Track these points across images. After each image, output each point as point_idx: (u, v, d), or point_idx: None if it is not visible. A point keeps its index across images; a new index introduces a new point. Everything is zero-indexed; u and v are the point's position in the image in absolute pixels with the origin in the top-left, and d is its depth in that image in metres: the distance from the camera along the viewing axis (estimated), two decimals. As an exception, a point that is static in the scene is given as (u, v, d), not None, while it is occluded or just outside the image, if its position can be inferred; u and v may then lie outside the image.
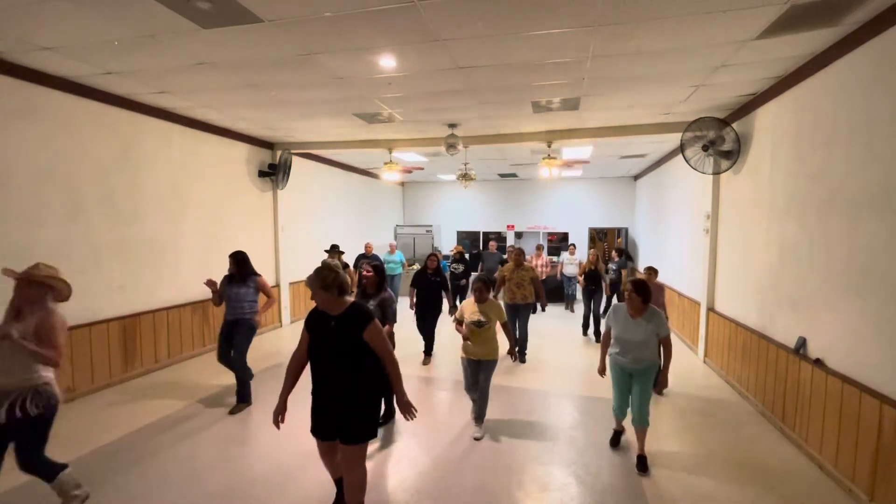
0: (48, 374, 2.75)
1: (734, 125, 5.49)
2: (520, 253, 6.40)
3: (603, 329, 3.91)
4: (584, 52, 3.90)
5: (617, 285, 8.78)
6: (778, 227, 4.48)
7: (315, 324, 2.64)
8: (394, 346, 4.07)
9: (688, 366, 6.27)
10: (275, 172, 8.04)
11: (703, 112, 5.80)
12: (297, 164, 8.51)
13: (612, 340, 3.74)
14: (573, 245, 10.49)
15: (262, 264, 7.78)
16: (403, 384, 2.71)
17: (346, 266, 6.98)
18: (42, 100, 4.52)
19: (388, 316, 4.23)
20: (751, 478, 3.49)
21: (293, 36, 3.58)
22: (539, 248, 9.99)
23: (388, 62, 4.15)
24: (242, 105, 5.65)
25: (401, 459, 3.71)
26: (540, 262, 9.72)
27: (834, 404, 3.48)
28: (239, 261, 4.75)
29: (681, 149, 5.88)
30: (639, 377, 3.60)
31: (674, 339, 7.58)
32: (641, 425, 3.60)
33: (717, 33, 3.49)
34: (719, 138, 5.47)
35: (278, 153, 8.15)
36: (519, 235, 14.55)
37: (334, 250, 7.11)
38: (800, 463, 3.72)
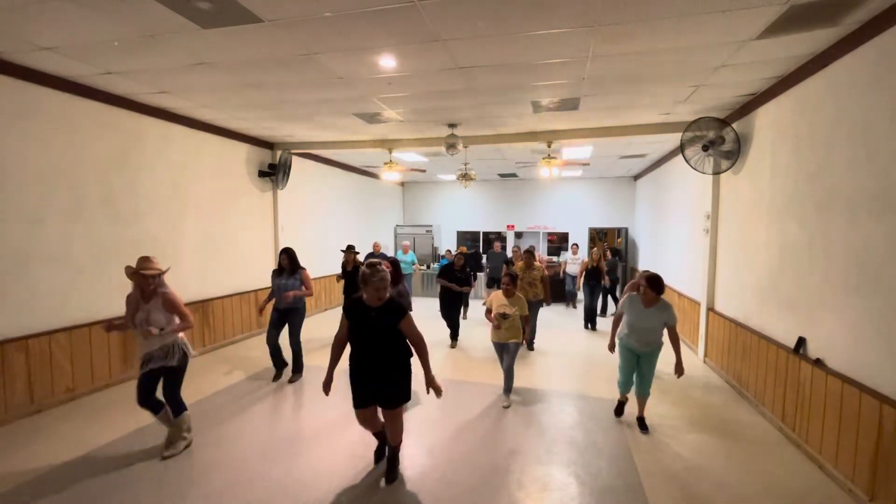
0: (181, 334, 3.73)
1: (734, 125, 5.49)
2: (531, 255, 7.01)
3: (615, 313, 4.46)
4: (584, 52, 3.90)
5: (613, 282, 9.53)
6: (778, 227, 4.48)
7: (357, 313, 3.17)
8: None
9: (688, 366, 6.17)
10: (275, 172, 8.04)
11: (703, 112, 5.80)
12: (297, 164, 8.52)
13: (623, 326, 4.24)
14: (575, 245, 10.49)
15: (262, 264, 7.81)
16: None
17: (361, 264, 7.02)
18: (42, 100, 4.52)
19: (405, 305, 4.66)
20: (751, 478, 3.49)
21: (293, 36, 3.58)
22: (531, 248, 9.92)
23: (388, 62, 4.15)
24: (242, 105, 5.65)
25: (401, 459, 3.70)
26: (537, 264, 9.72)
27: (834, 404, 3.48)
28: (290, 257, 5.50)
29: (681, 149, 5.88)
30: (645, 358, 4.17)
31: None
32: (644, 396, 4.26)
33: (717, 33, 3.49)
34: (719, 138, 5.47)
35: (278, 153, 8.15)
36: (519, 235, 14.55)
37: (350, 250, 7.16)
38: (800, 463, 3.72)
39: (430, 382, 3.26)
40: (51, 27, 3.47)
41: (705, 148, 5.56)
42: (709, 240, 6.19)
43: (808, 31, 3.44)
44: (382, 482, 3.36)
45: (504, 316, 4.72)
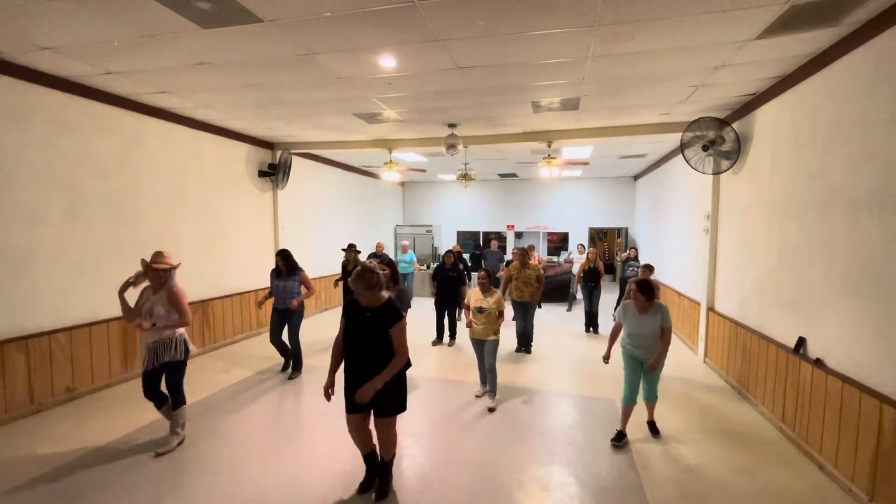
0: (182, 329, 3.84)
1: (734, 125, 5.49)
2: (524, 253, 6.70)
3: (614, 324, 4.25)
4: (584, 52, 3.90)
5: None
6: (778, 227, 4.48)
7: (352, 313, 3.08)
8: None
9: (688, 366, 6.27)
10: (275, 172, 8.04)
11: (703, 112, 5.80)
12: (297, 164, 8.52)
13: (624, 335, 4.10)
14: (581, 245, 10.71)
15: (262, 265, 7.80)
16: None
17: (362, 264, 7.05)
18: (42, 100, 4.52)
19: (404, 304, 5.06)
20: (751, 478, 3.49)
21: (293, 36, 3.58)
22: (531, 247, 9.85)
23: (388, 62, 4.15)
24: (242, 105, 5.65)
25: (401, 459, 3.71)
26: (532, 263, 9.71)
27: (834, 404, 3.48)
28: (285, 257, 5.61)
29: (681, 149, 5.88)
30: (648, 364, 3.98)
31: (673, 338, 7.66)
32: (652, 402, 4.15)
33: (717, 33, 3.49)
34: (719, 138, 5.47)
35: (278, 153, 8.15)
36: (519, 235, 14.55)
37: (351, 249, 7.19)
38: (800, 463, 3.72)
39: (371, 385, 2.93)
40: (51, 27, 3.46)
41: (705, 148, 5.56)
42: (709, 240, 6.19)
43: (808, 31, 3.44)
44: (373, 497, 3.20)
45: (480, 310, 4.75)
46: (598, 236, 14.80)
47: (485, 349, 4.84)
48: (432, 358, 6.60)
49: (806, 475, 3.53)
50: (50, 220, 4.62)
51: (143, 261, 3.74)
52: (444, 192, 14.77)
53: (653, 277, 5.91)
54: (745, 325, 5.13)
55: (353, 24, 3.37)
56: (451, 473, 3.52)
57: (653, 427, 4.20)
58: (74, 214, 4.86)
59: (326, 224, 10.14)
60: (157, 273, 3.71)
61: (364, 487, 3.27)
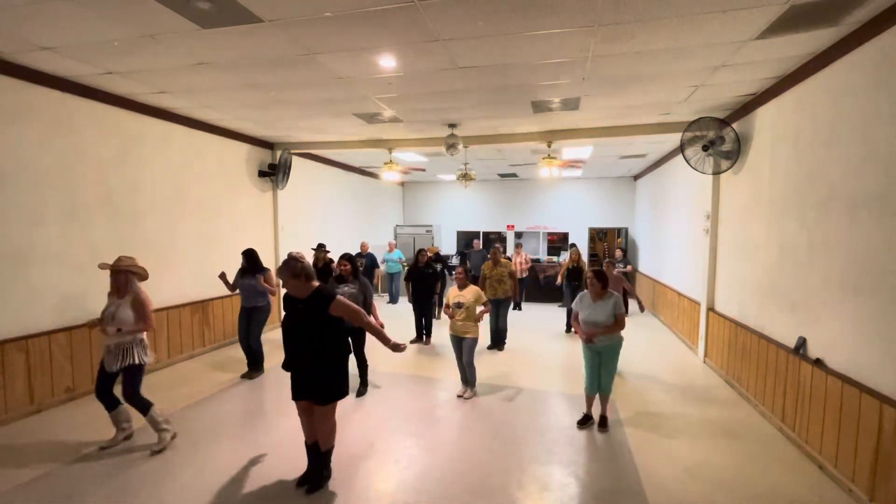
0: (143, 335, 3.83)
1: (734, 125, 5.49)
2: (496, 250, 6.87)
3: (573, 312, 4.57)
4: (584, 52, 3.90)
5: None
6: (778, 227, 4.48)
7: (289, 304, 3.17)
8: (381, 326, 4.81)
9: (688, 366, 6.27)
10: (275, 172, 8.04)
11: (703, 112, 5.80)
12: (297, 164, 8.51)
13: (580, 323, 4.39)
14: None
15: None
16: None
17: (331, 262, 7.16)
18: (42, 100, 4.52)
19: (368, 296, 4.97)
20: (751, 478, 3.49)
21: (293, 36, 3.58)
22: (518, 245, 10.09)
23: (388, 62, 4.15)
24: (242, 105, 5.65)
25: (400, 459, 3.71)
26: (520, 260, 9.73)
27: (834, 404, 3.48)
28: (248, 257, 5.66)
29: (681, 149, 5.88)
30: (605, 354, 4.28)
31: (673, 338, 7.82)
32: (606, 394, 4.37)
33: (717, 33, 3.49)
34: (719, 138, 5.47)
35: (278, 153, 8.14)
36: (519, 235, 14.55)
37: (320, 249, 7.31)
38: (800, 463, 3.72)
39: (390, 346, 3.25)
40: (51, 27, 3.46)
41: (705, 148, 5.56)
42: (709, 240, 6.19)
43: (808, 31, 3.44)
44: (305, 489, 3.21)
45: (458, 305, 4.83)
46: (598, 236, 14.79)
47: (463, 346, 4.91)
48: (421, 357, 6.60)
49: (806, 475, 3.54)
50: (50, 221, 4.62)
51: (101, 265, 3.73)
52: (444, 192, 14.77)
53: (616, 272, 6.66)
54: (745, 325, 5.13)
55: (353, 24, 3.37)
56: (451, 473, 3.51)
57: (603, 422, 4.30)
58: (74, 214, 4.86)
59: (326, 224, 10.13)
60: (116, 277, 3.72)
61: (303, 480, 3.30)
